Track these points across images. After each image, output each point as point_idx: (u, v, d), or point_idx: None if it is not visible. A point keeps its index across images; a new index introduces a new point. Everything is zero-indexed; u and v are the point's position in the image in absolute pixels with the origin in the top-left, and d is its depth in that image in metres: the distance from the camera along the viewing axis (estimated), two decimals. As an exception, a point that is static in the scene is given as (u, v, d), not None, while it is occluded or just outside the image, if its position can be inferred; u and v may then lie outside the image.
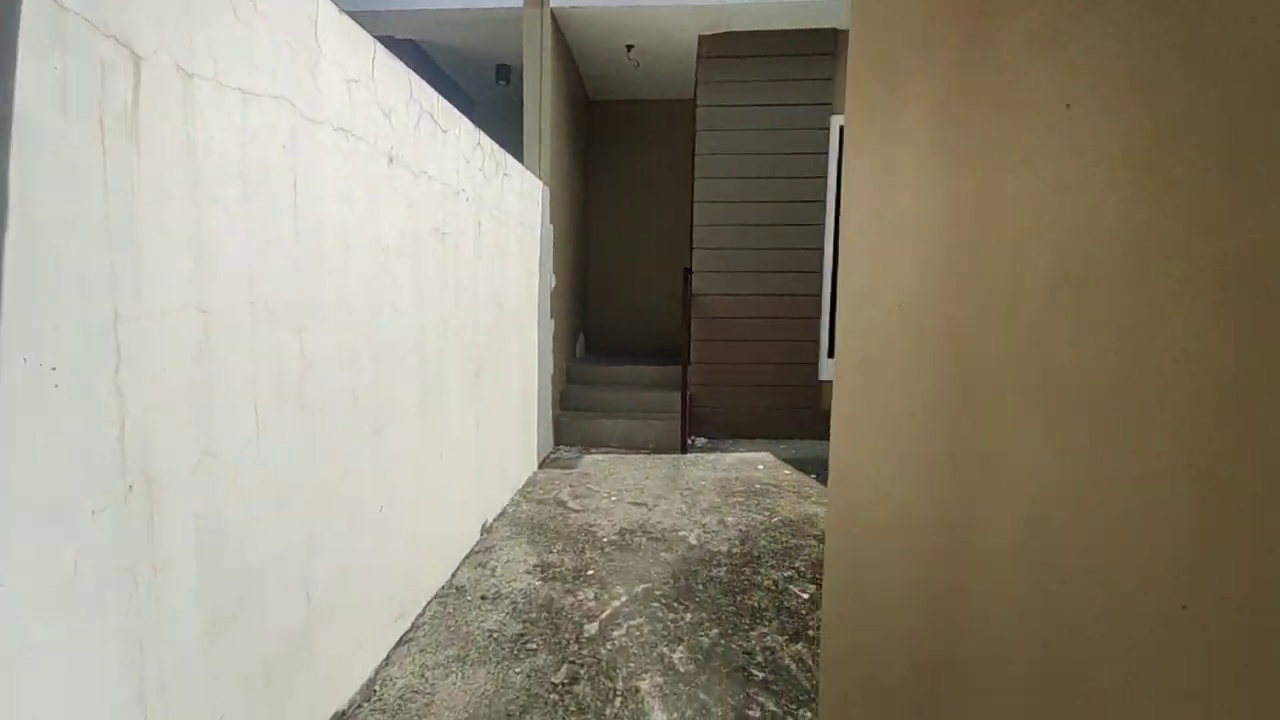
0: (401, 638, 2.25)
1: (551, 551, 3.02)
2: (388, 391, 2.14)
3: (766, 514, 3.58)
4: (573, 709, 1.90)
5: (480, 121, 3.25)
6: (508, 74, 5.97)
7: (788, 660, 2.19)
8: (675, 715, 1.88)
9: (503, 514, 3.50)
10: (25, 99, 0.92)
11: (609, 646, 2.23)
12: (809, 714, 1.91)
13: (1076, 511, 0.68)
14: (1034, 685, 0.75)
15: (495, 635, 2.29)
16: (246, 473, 1.42)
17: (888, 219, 1.16)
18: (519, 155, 4.33)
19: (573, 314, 5.81)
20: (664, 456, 4.76)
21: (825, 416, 5.34)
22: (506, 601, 2.53)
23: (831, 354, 5.37)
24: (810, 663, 2.16)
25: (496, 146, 3.30)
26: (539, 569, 2.83)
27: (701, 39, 5.08)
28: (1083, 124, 0.68)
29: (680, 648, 2.24)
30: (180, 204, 1.21)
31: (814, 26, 4.92)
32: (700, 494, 3.91)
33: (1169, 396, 0.57)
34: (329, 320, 1.76)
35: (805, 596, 2.63)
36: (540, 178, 4.42)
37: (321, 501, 1.73)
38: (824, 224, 5.17)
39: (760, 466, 4.53)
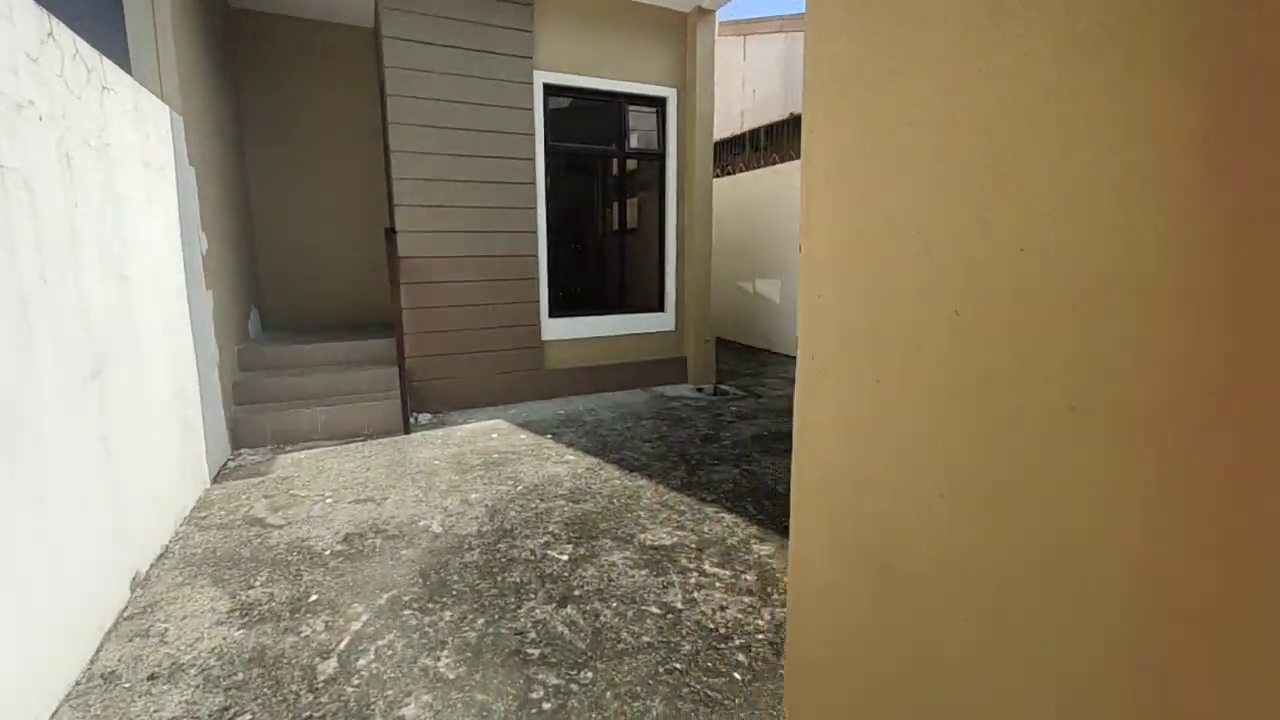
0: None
1: (252, 587, 2.38)
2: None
3: (510, 483, 3.44)
4: (321, 775, 1.53)
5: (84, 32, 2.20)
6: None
7: (561, 627, 2.13)
8: (453, 732, 1.67)
9: (165, 554, 2.63)
10: None
11: (356, 681, 1.86)
12: (589, 674, 1.89)
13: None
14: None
15: (184, 720, 1.70)
16: None
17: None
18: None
19: (239, 285, 4.61)
20: (385, 440, 4.21)
21: (552, 376, 5.37)
22: (193, 672, 1.91)
23: (553, 314, 5.41)
24: (582, 622, 2.14)
25: (89, 47, 2.30)
26: (236, 614, 2.20)
27: (378, -45, 4.35)
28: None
29: (445, 652, 2.00)
30: None
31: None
32: (435, 475, 3.56)
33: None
34: None
35: (565, 558, 2.61)
36: (164, 100, 3.28)
37: None
38: (536, 182, 5.07)
39: (494, 435, 4.34)
